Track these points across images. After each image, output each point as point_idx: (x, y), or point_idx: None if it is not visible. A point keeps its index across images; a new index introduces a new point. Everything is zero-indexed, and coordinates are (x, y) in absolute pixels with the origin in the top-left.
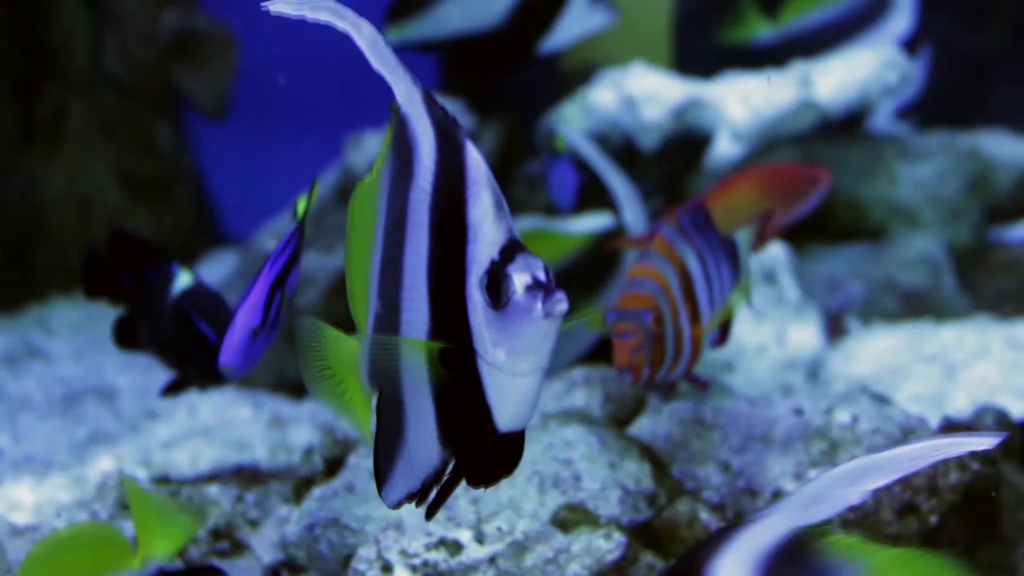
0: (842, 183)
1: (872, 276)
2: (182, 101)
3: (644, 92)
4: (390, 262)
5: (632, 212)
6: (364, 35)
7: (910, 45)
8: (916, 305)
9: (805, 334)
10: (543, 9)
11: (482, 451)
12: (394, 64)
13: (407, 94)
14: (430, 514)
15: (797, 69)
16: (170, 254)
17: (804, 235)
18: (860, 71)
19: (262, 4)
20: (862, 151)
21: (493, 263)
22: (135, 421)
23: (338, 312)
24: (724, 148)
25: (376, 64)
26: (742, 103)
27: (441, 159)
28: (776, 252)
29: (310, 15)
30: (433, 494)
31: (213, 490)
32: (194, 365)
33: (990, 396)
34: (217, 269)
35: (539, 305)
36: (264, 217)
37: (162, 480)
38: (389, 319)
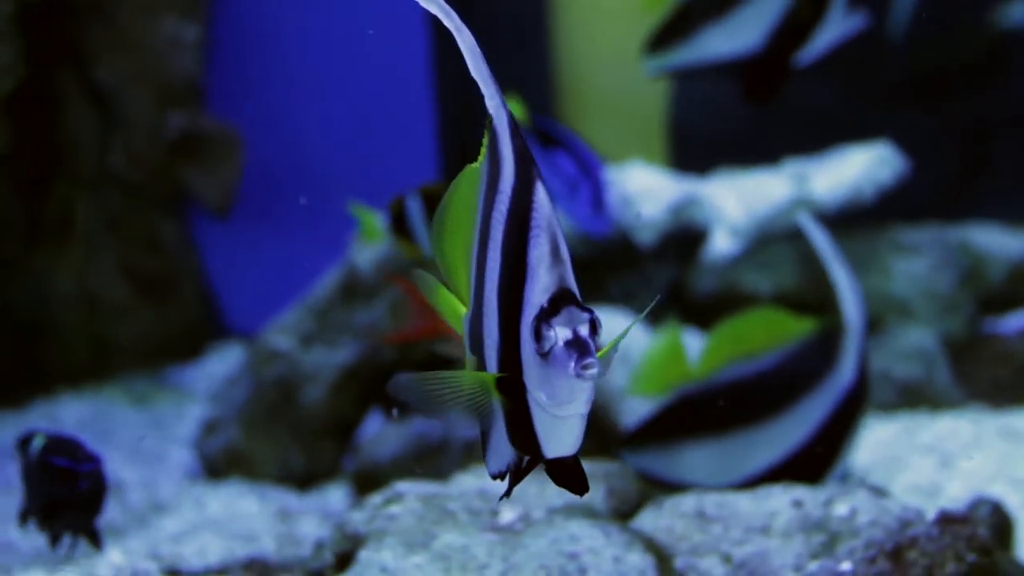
0: None
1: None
2: (188, 199)
3: (641, 190)
4: (479, 264)
5: (855, 310)
6: (464, 41)
7: None
8: (912, 396)
9: None
10: (805, 23)
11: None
12: (488, 77)
13: (496, 111)
14: (508, 494)
15: (791, 167)
16: (28, 434)
17: None
18: (853, 168)
19: None
20: (855, 245)
21: (542, 310)
22: (143, 514)
23: (344, 408)
24: (721, 244)
25: (472, 72)
26: (737, 200)
27: (517, 189)
28: None
29: (422, 2)
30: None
31: None
32: (66, 507)
33: (985, 486)
34: (223, 364)
35: (572, 364)
36: (270, 312)
37: (172, 573)
38: (476, 314)
